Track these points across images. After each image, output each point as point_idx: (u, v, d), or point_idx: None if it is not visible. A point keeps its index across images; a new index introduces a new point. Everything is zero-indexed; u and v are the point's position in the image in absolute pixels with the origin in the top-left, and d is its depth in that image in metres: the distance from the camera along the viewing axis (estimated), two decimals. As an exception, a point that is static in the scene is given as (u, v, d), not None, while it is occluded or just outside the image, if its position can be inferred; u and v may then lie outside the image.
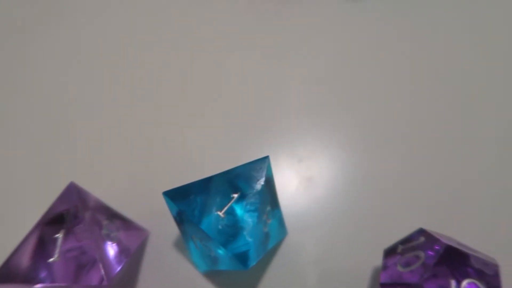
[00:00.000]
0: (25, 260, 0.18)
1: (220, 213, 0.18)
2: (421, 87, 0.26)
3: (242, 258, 0.17)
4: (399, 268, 0.17)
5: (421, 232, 0.18)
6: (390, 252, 0.19)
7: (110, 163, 0.25)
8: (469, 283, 0.16)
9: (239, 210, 0.18)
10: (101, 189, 0.22)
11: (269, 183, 0.19)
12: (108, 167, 0.25)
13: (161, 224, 0.23)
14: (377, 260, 0.21)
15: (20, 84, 0.29)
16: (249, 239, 0.17)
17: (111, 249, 0.19)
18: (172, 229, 0.22)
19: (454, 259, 0.16)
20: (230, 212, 0.18)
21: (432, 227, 0.19)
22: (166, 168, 0.24)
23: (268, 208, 0.19)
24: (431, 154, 0.24)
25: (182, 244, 0.22)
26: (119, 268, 0.19)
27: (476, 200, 0.22)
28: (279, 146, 0.25)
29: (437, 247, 0.17)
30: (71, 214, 0.19)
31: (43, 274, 0.18)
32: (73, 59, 0.29)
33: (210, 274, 0.21)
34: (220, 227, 0.18)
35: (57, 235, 0.18)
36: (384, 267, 0.18)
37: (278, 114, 0.26)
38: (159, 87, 0.28)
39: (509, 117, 0.25)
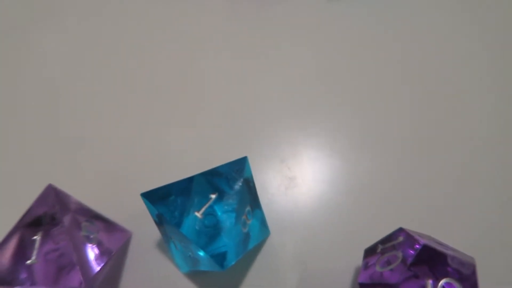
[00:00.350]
0: (4, 262, 0.18)
1: (198, 214, 0.18)
2: (405, 86, 0.26)
3: (219, 259, 0.17)
4: (378, 268, 0.17)
5: (401, 231, 0.18)
6: (370, 252, 0.19)
7: (91, 164, 0.25)
8: (446, 283, 0.16)
9: (218, 211, 0.18)
10: (82, 191, 0.22)
11: (248, 184, 0.19)
12: (89, 168, 0.25)
13: (143, 225, 0.22)
14: (359, 260, 0.21)
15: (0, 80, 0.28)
16: (227, 240, 0.17)
17: (91, 251, 0.19)
18: (154, 230, 0.22)
19: (432, 259, 0.16)
20: (211, 213, 0.18)
21: (413, 227, 0.19)
22: (148, 168, 0.24)
23: (248, 208, 0.19)
24: (412, 155, 0.24)
25: (164, 247, 0.22)
26: (97, 269, 0.19)
27: (456, 200, 0.22)
28: (261, 146, 0.24)
29: (416, 246, 0.17)
30: (48, 216, 0.19)
31: (23, 275, 0.18)
32: (57, 55, 0.29)
33: (193, 275, 0.21)
34: (197, 228, 0.18)
35: (35, 237, 0.18)
36: (364, 266, 0.18)
37: (260, 115, 0.26)
38: (140, 89, 0.27)
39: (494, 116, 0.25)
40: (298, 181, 0.23)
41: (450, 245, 0.18)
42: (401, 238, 0.18)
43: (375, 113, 0.25)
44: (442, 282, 0.16)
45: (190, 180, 0.18)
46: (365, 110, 0.25)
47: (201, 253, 0.18)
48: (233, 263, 0.17)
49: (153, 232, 0.22)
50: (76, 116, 0.27)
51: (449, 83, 0.26)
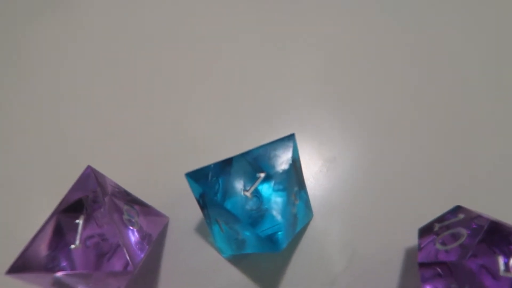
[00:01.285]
0: (43, 249, 0.18)
1: (248, 193, 0.17)
2: (429, 73, 0.25)
3: (273, 240, 0.16)
4: (438, 247, 0.16)
5: (459, 209, 0.18)
6: (425, 231, 0.18)
7: (126, 148, 0.24)
8: None
9: (266, 191, 0.17)
10: (118, 175, 0.21)
11: (296, 163, 0.18)
12: (124, 152, 0.24)
13: (179, 210, 0.22)
14: (408, 241, 0.20)
15: (31, 69, 0.28)
16: (280, 220, 0.16)
17: (133, 235, 0.18)
18: (192, 215, 0.22)
19: (499, 235, 0.15)
20: (256, 193, 0.17)
21: (466, 205, 0.18)
22: (182, 153, 0.23)
23: (296, 188, 0.18)
24: (460, 131, 0.23)
25: (203, 230, 0.21)
26: (143, 255, 0.18)
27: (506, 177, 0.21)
28: (301, 127, 0.24)
29: (480, 223, 0.16)
30: (90, 199, 0.18)
31: (63, 263, 0.17)
32: (88, 47, 0.28)
33: (234, 259, 0.20)
34: (248, 207, 0.17)
35: (77, 221, 0.17)
36: (420, 247, 0.17)
37: (298, 96, 0.25)
38: (174, 73, 0.27)
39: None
40: (339, 161, 0.22)
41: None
42: (461, 216, 0.17)
43: (415, 95, 0.24)
44: None
45: (228, 161, 0.17)
46: (404, 92, 0.25)
47: (250, 234, 0.17)
48: (285, 244, 0.17)
49: (190, 217, 0.22)
50: (112, 100, 0.26)
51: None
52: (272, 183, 0.17)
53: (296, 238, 0.21)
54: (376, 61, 0.26)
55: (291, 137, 0.18)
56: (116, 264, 0.17)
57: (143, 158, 0.24)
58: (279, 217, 0.16)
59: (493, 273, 0.15)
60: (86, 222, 0.17)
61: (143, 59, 0.28)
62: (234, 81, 0.26)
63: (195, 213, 0.21)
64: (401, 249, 0.20)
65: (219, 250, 0.21)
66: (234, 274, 0.20)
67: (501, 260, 0.15)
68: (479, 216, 0.16)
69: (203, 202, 0.18)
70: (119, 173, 0.22)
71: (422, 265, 0.17)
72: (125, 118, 0.25)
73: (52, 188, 0.22)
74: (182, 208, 0.22)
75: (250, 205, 0.17)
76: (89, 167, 0.18)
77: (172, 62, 0.27)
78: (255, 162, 0.17)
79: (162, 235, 0.21)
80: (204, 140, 0.24)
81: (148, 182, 0.22)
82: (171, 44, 0.28)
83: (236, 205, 0.17)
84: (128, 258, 0.17)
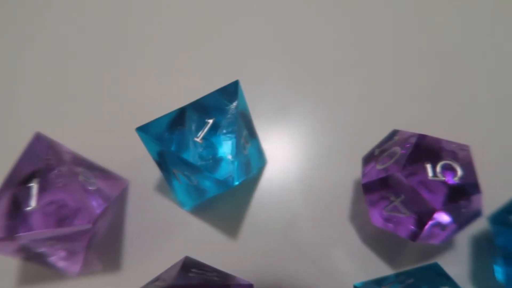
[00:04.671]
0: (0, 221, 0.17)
1: (198, 139, 0.18)
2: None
3: (227, 179, 0.17)
4: (378, 166, 0.18)
5: (395, 132, 0.19)
6: (368, 159, 0.20)
7: (78, 112, 0.24)
8: (443, 164, 0.17)
9: (216, 136, 0.18)
10: (71, 141, 0.21)
11: (241, 108, 0.19)
12: (76, 117, 0.24)
13: (139, 172, 0.22)
14: (358, 171, 0.21)
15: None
16: (230, 158, 0.17)
17: (91, 196, 0.19)
18: (151, 176, 0.22)
19: (427, 147, 0.17)
20: (207, 138, 0.18)
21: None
22: (134, 114, 0.24)
23: (245, 132, 0.19)
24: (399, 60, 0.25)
25: (163, 189, 0.22)
26: (99, 211, 0.18)
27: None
28: (251, 75, 0.24)
29: (411, 141, 0.18)
30: (43, 167, 0.18)
31: (23, 230, 0.17)
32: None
33: (197, 211, 0.21)
34: (200, 153, 0.18)
35: (30, 184, 0.17)
36: (364, 173, 0.19)
37: (243, 52, 0.26)
38: (123, 32, 0.26)
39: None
40: (291, 110, 0.24)
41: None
42: (396, 138, 0.19)
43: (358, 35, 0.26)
44: (440, 164, 0.17)
45: (180, 111, 0.18)
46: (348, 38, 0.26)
47: (206, 178, 0.18)
48: (239, 181, 0.18)
49: (150, 178, 0.22)
50: (62, 62, 0.26)
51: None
52: (221, 128, 0.18)
53: (252, 184, 0.22)
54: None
55: (235, 84, 0.19)
56: (75, 223, 0.17)
57: (96, 122, 0.24)
58: (230, 157, 0.17)
59: (426, 183, 0.17)
60: (42, 189, 0.17)
61: (89, 16, 0.27)
62: (181, 35, 0.26)
63: (155, 173, 0.22)
64: (351, 180, 0.22)
65: (181, 204, 0.21)
66: (198, 225, 0.21)
67: (429, 168, 0.17)
68: (411, 135, 0.18)
69: (158, 156, 0.19)
70: (73, 139, 0.21)
71: (366, 188, 0.18)
72: (74, 81, 0.25)
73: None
74: (141, 170, 0.22)
75: (202, 151, 0.18)
76: (37, 134, 0.18)
77: (122, 19, 0.27)
78: (203, 110, 0.18)
79: (123, 198, 0.22)
80: (155, 97, 0.24)
81: (104, 146, 0.23)
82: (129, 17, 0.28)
83: (189, 153, 0.17)
84: (86, 215, 0.17)
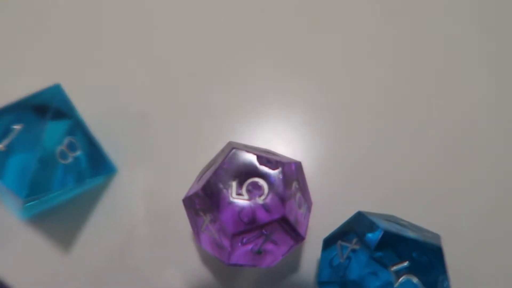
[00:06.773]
0: None
1: (1, 146, 0.16)
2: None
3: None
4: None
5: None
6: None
7: None
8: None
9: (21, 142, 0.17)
10: None
11: (61, 113, 0.18)
12: None
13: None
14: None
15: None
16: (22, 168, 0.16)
17: None
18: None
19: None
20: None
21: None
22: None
23: (68, 138, 0.18)
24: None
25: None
26: None
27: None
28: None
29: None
30: None
31: None
32: None
33: (34, 221, 0.20)
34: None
35: None
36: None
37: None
38: None
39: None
40: (149, 117, 0.22)
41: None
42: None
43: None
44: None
45: None
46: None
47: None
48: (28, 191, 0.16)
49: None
50: None
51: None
52: (27, 135, 0.17)
53: (98, 191, 0.21)
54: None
55: (57, 87, 0.18)
56: None
57: None
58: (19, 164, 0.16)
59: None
60: None
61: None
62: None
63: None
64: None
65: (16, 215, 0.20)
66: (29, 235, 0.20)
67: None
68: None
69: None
70: None
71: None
72: None
73: None
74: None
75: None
76: None
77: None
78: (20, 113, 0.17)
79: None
80: None
81: None
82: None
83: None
84: None
